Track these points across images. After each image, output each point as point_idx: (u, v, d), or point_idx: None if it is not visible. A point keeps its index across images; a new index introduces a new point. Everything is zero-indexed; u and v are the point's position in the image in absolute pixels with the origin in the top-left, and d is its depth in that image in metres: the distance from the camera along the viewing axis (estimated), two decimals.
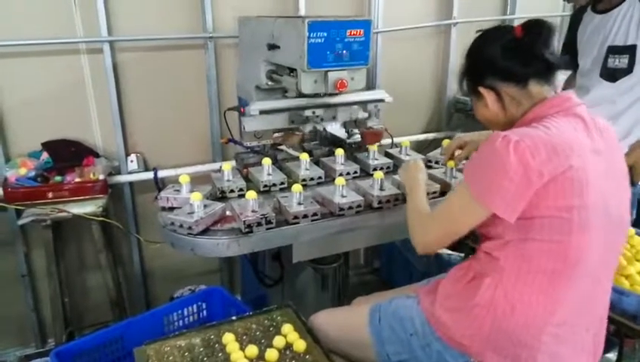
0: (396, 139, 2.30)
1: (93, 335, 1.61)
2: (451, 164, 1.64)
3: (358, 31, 1.53)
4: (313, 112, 1.72)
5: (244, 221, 1.35)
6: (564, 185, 1.05)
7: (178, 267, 2.42)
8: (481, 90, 1.20)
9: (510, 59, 1.16)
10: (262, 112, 1.66)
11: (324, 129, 1.98)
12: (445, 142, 1.82)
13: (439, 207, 1.21)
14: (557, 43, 1.18)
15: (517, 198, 1.05)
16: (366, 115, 1.86)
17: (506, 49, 1.16)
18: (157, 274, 2.44)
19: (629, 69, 1.72)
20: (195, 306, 1.81)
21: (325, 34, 1.49)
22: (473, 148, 1.66)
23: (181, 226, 1.34)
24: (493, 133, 1.10)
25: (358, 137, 1.88)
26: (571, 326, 1.13)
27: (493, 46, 1.18)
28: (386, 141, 2.32)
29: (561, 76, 1.78)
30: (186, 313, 1.78)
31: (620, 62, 1.72)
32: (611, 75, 1.77)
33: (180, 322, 1.78)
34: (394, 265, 2.68)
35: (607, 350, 1.41)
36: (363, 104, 1.81)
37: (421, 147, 2.65)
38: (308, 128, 1.76)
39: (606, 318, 1.22)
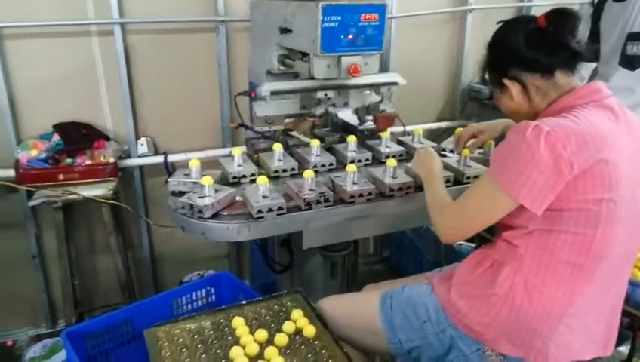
0: (409, 127, 2.28)
1: (103, 316, 1.62)
2: (466, 152, 1.61)
3: (373, 15, 1.49)
4: (325, 94, 1.69)
5: (304, 198, 1.37)
6: (594, 179, 1.03)
7: (187, 252, 2.43)
8: (506, 81, 1.18)
9: (535, 49, 1.14)
10: (273, 93, 1.62)
11: (336, 115, 1.97)
12: (458, 130, 1.80)
13: (464, 197, 1.18)
14: (584, 32, 1.15)
15: (546, 191, 1.03)
16: (379, 98, 1.83)
17: (530, 39, 1.14)
18: (166, 258, 2.45)
19: None
20: (203, 291, 1.81)
21: (339, 18, 1.46)
22: (488, 137, 1.64)
23: (192, 209, 1.34)
24: (523, 122, 1.07)
25: (371, 124, 1.86)
26: (584, 316, 1.13)
27: (516, 36, 1.16)
28: (399, 129, 2.30)
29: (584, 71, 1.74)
30: (194, 297, 1.79)
31: (639, 49, 1.69)
32: (630, 62, 1.74)
33: (189, 306, 1.78)
34: (404, 254, 2.67)
35: (619, 343, 1.39)
36: (376, 87, 1.78)
37: (434, 135, 2.62)
38: (319, 111, 1.72)
39: (619, 307, 1.20)
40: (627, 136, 1.09)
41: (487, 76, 1.27)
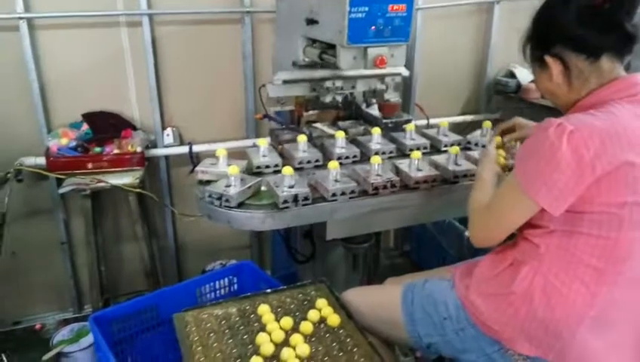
0: (433, 120, 2.27)
1: (129, 302, 1.66)
2: (498, 139, 1.56)
3: (401, 6, 1.48)
4: (333, 83, 1.73)
5: (372, 183, 1.41)
6: (618, 181, 0.99)
7: (210, 241, 2.46)
8: (548, 59, 1.10)
9: (585, 26, 1.05)
10: (285, 82, 1.68)
11: (360, 107, 1.97)
12: (486, 123, 1.78)
13: (493, 201, 1.15)
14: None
15: (566, 192, 1.00)
16: (384, 87, 1.85)
17: (582, 14, 1.04)
18: (189, 247, 2.49)
19: None
20: (226, 279, 1.84)
21: (367, 8, 1.44)
22: (527, 133, 1.58)
23: (219, 199, 1.36)
24: (548, 119, 1.03)
25: (375, 107, 1.90)
26: (609, 320, 1.09)
27: (568, 10, 1.06)
28: (423, 122, 2.28)
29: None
30: (217, 286, 1.82)
31: None
32: None
33: (212, 294, 1.81)
34: (425, 248, 2.66)
35: None
36: (380, 77, 1.80)
37: (459, 129, 2.59)
38: (328, 98, 1.77)
39: None
40: None
41: (527, 51, 1.18)
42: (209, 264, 2.34)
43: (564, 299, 1.07)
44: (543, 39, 1.12)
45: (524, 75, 2.62)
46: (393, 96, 1.84)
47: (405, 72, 1.80)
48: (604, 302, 1.07)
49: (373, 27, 1.47)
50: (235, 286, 1.86)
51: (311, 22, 1.65)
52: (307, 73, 1.74)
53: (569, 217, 1.03)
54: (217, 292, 1.82)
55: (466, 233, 2.28)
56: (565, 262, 1.07)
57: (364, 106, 1.92)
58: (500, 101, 2.74)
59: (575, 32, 1.06)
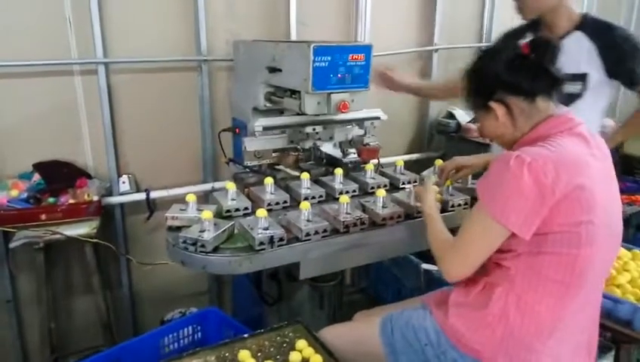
0: (387, 159, 2.39)
1: (90, 359, 1.58)
2: (448, 182, 1.71)
3: (360, 55, 1.60)
4: (314, 129, 1.79)
5: (343, 221, 1.47)
6: (573, 203, 1.12)
7: (166, 289, 2.39)
8: (492, 104, 1.24)
9: (519, 73, 1.20)
10: (265, 129, 1.70)
11: (319, 148, 2.04)
12: (438, 161, 1.90)
13: (460, 235, 1.23)
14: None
15: (532, 216, 1.11)
16: (362, 132, 1.94)
17: (513, 64, 1.21)
18: (144, 297, 2.39)
19: (580, 95, 1.81)
20: (190, 328, 1.80)
21: (329, 58, 1.54)
22: (470, 171, 1.74)
23: (194, 244, 1.35)
24: (505, 153, 1.16)
25: (354, 156, 1.95)
26: (571, 329, 1.21)
27: (500, 62, 1.22)
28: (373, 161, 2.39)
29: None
30: (181, 335, 1.77)
31: (574, 88, 1.80)
32: (564, 100, 1.87)
33: (175, 344, 1.77)
34: (382, 283, 2.73)
35: (602, 355, 1.49)
36: (360, 121, 1.89)
37: (405, 167, 2.73)
38: (308, 144, 1.82)
39: (598, 318, 1.30)
40: (598, 162, 1.20)
41: (468, 102, 1.33)
42: (167, 313, 2.26)
43: (537, 314, 1.17)
44: (485, 88, 1.28)
45: (462, 115, 2.83)
46: (372, 140, 1.92)
47: (384, 116, 1.90)
48: (570, 313, 1.19)
49: (339, 75, 1.57)
50: (199, 334, 1.82)
51: (273, 70, 1.72)
52: (286, 119, 1.78)
53: (534, 239, 1.14)
54: (181, 342, 1.78)
55: (422, 266, 2.38)
56: (535, 280, 1.18)
57: (341, 156, 1.98)
58: (441, 140, 2.94)
59: (511, 78, 1.22)
